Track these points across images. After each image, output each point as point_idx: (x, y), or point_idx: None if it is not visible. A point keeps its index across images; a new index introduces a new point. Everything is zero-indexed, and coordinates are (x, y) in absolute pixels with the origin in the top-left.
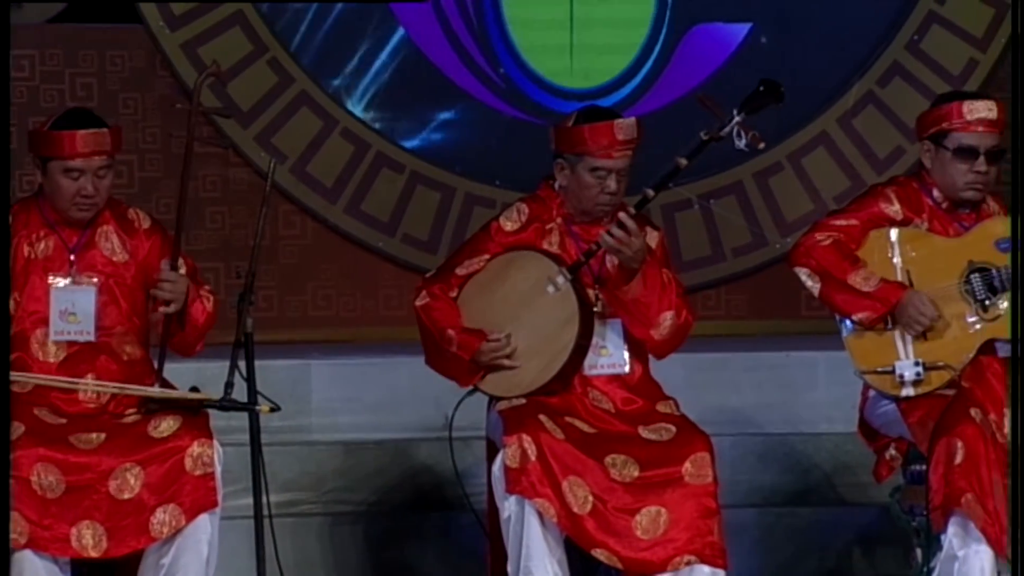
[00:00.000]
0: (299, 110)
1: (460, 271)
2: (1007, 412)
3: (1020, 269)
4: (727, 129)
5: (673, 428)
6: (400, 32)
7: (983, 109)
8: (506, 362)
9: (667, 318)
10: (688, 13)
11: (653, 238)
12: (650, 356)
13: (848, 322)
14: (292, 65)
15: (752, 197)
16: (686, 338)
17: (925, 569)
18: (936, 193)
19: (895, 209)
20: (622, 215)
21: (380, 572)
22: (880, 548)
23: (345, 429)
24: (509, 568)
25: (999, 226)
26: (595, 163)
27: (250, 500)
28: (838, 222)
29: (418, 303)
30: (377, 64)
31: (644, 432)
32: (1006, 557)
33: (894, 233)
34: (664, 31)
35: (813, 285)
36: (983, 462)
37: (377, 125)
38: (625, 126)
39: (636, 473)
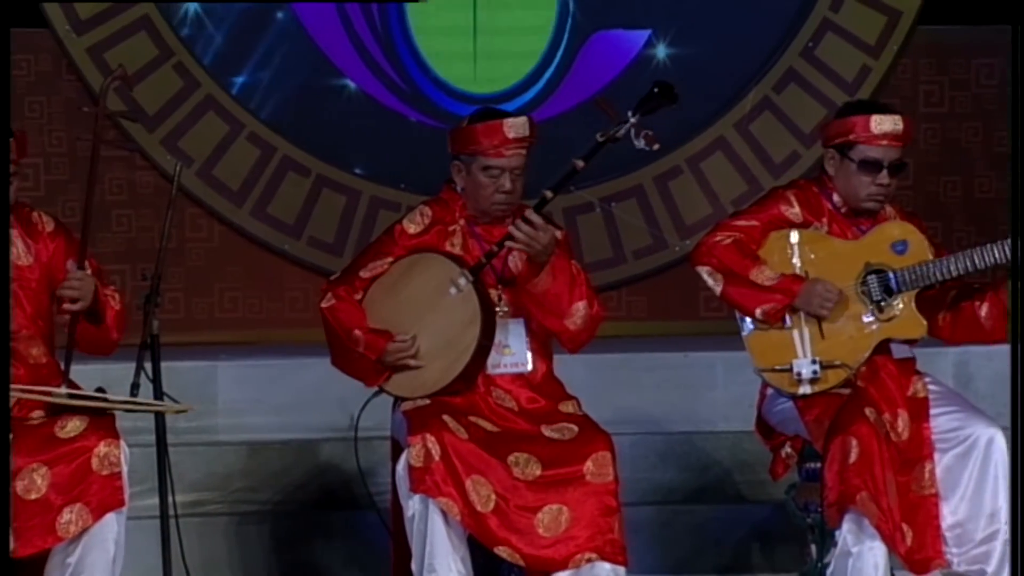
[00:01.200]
0: (205, 114)
1: (364, 274)
2: (901, 412)
3: (1021, 268)
4: (622, 130)
5: (575, 428)
6: (305, 37)
7: (889, 123)
8: (411, 363)
9: (580, 308)
10: (589, 20)
11: (558, 235)
12: (553, 356)
13: (748, 321)
14: (198, 69)
15: (652, 200)
16: (597, 330)
17: (819, 565)
18: (836, 198)
19: (795, 212)
20: (528, 211)
21: (286, 571)
22: (776, 544)
23: (251, 430)
24: (413, 566)
25: (895, 229)
26: (488, 162)
27: (156, 500)
28: (739, 223)
29: (324, 305)
30: (282, 69)
31: (547, 431)
32: (899, 553)
33: (794, 235)
34: (566, 38)
35: (715, 284)
36: (877, 460)
37: (282, 129)
38: (515, 124)
39: (538, 472)
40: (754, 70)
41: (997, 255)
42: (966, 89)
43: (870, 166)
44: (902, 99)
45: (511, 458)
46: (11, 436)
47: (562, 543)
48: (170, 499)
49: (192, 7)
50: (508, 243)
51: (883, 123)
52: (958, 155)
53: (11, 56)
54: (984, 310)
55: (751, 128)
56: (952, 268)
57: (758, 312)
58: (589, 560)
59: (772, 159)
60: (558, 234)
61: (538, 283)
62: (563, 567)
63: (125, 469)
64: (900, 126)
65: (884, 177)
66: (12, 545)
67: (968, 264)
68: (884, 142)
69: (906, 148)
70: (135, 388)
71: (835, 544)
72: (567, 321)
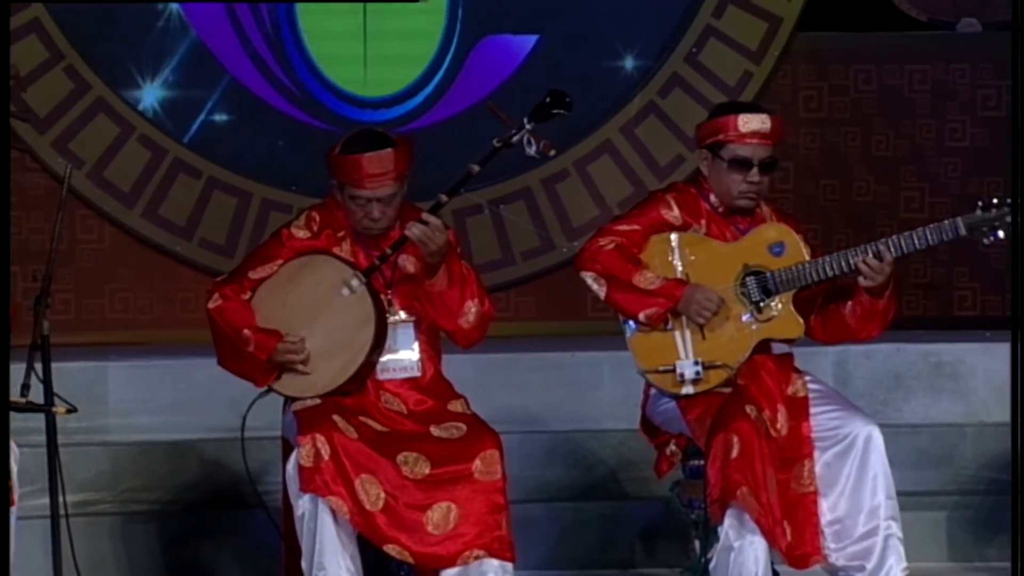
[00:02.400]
0: (96, 116)
1: (252, 275)
2: (780, 408)
3: (1021, 267)
4: (518, 137)
5: (463, 427)
6: (194, 38)
7: (757, 122)
8: (300, 367)
9: (471, 307)
10: (478, 25)
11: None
12: (442, 356)
13: (631, 323)
14: (89, 72)
15: (540, 203)
16: (488, 328)
17: (703, 560)
18: (713, 198)
19: (674, 214)
20: (425, 214)
21: (176, 570)
22: (661, 540)
23: (141, 430)
24: (303, 564)
25: (772, 231)
26: (353, 192)
27: (46, 500)
28: (621, 227)
29: (211, 305)
30: (173, 71)
31: (435, 431)
32: (779, 548)
33: (674, 238)
34: (455, 43)
35: (599, 288)
36: (757, 457)
37: (173, 131)
38: (375, 159)
39: (427, 470)
40: (639, 75)
41: (869, 255)
42: (844, 95)
43: (740, 164)
44: (782, 104)
45: (400, 457)
46: None
47: (450, 540)
48: (60, 499)
49: (81, 7)
50: (407, 233)
51: (751, 122)
52: (837, 159)
53: None
54: (848, 309)
55: (637, 132)
56: (827, 269)
57: (641, 316)
58: (477, 557)
59: (657, 162)
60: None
61: (434, 283)
62: (452, 564)
63: (15, 469)
64: (768, 124)
65: (755, 175)
66: None
67: (844, 265)
68: (753, 140)
69: (776, 147)
70: (25, 388)
71: (718, 539)
72: (461, 320)
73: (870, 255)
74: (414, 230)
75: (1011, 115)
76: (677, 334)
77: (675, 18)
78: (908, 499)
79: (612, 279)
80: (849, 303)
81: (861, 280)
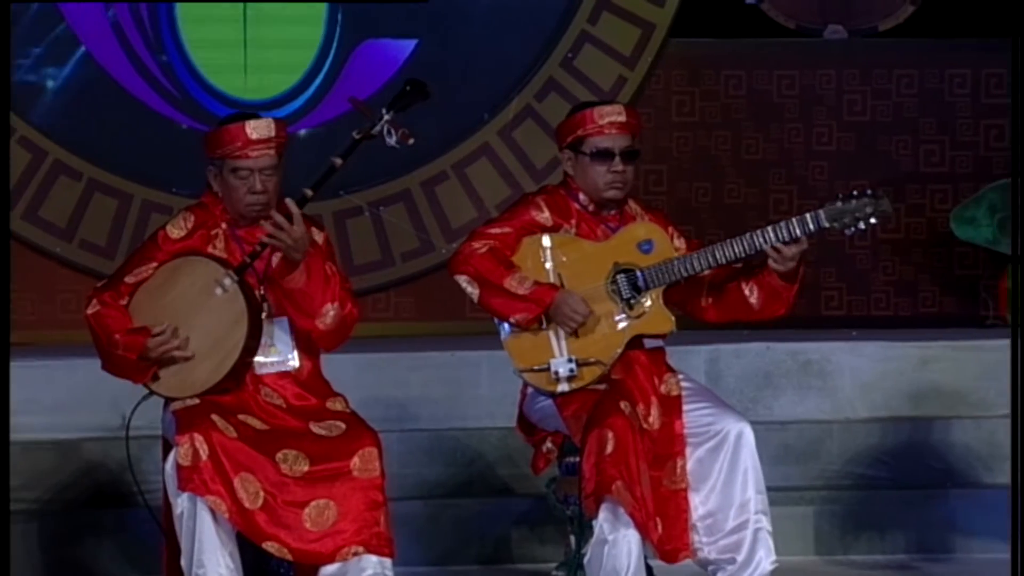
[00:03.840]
0: None
1: (129, 279)
2: (653, 403)
3: (1022, 267)
4: (378, 127)
5: (343, 425)
6: (79, 43)
7: (613, 113)
8: (177, 353)
9: (330, 309)
10: (357, 30)
11: (319, 236)
12: (321, 355)
13: (506, 325)
14: None
15: (419, 205)
16: (351, 330)
17: (578, 554)
18: (582, 197)
19: (545, 216)
20: (286, 200)
21: (58, 568)
22: (538, 535)
23: (23, 429)
24: (183, 562)
25: (641, 230)
26: (235, 164)
27: None
28: (493, 230)
29: (89, 311)
30: (57, 75)
31: (315, 428)
32: (652, 541)
33: (546, 239)
34: (334, 49)
35: (472, 291)
36: (632, 452)
37: (54, 133)
38: (258, 125)
39: (306, 468)
40: (516, 79)
41: (737, 250)
42: (716, 99)
43: (602, 155)
44: (656, 108)
45: (279, 455)
46: None
47: (329, 537)
48: None
49: None
50: (263, 239)
51: (606, 113)
52: (708, 162)
53: None
54: (749, 289)
55: (514, 135)
56: (695, 264)
57: (513, 320)
58: (356, 553)
59: (534, 165)
60: (318, 236)
61: (292, 280)
62: (331, 561)
63: None
64: (623, 115)
65: (618, 164)
66: None
67: (710, 259)
68: (613, 131)
69: (636, 137)
70: None
71: (593, 533)
72: (318, 321)
73: (737, 250)
74: (267, 227)
75: (1011, 114)
76: (551, 333)
77: (552, 23)
78: (777, 494)
79: (484, 283)
80: (751, 283)
81: (772, 264)
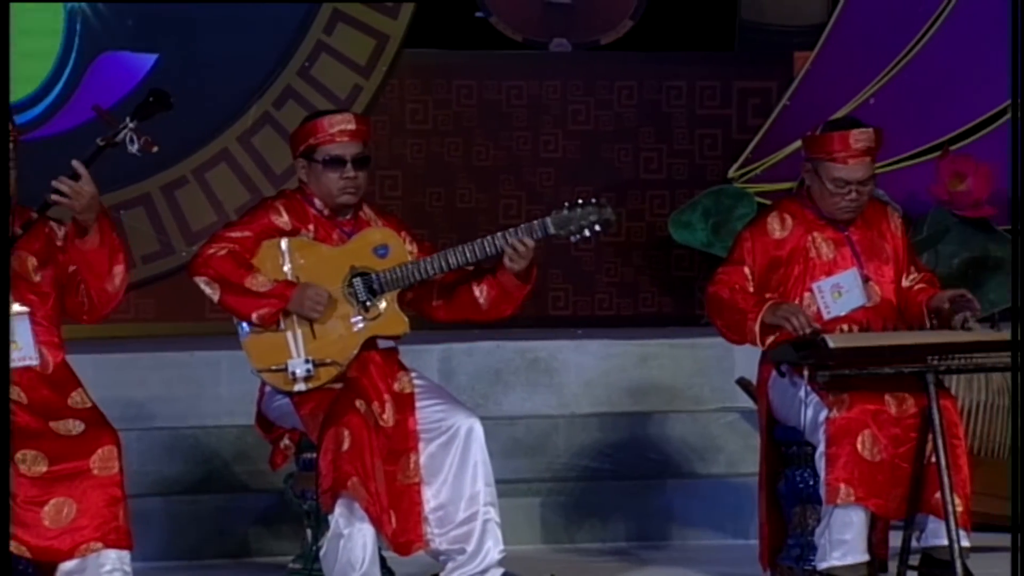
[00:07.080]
0: None
1: None
2: (387, 400)
3: (1022, 266)
4: (120, 135)
5: (82, 424)
6: None
7: (343, 122)
8: None
9: (119, 271)
10: (97, 44)
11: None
12: (65, 351)
13: (245, 325)
14: None
15: (160, 208)
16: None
17: (315, 548)
18: (318, 202)
19: (284, 220)
20: (75, 162)
21: None
22: (277, 530)
23: None
24: None
25: (377, 235)
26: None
27: None
28: (233, 234)
29: None
30: None
31: (54, 426)
32: (386, 535)
33: (284, 243)
34: (72, 59)
35: (212, 292)
36: (367, 449)
37: None
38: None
39: (44, 468)
40: (255, 87)
41: (468, 255)
42: (448, 108)
43: (334, 163)
44: (390, 116)
45: (18, 456)
46: None
47: (67, 534)
48: None
49: None
50: (55, 184)
51: (337, 122)
52: (441, 168)
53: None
54: (479, 291)
55: (253, 141)
56: (429, 268)
57: (254, 316)
58: (95, 549)
59: (273, 170)
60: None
61: (86, 241)
62: (69, 557)
63: None
64: (353, 124)
65: (350, 171)
66: None
67: (443, 263)
68: (344, 139)
69: (366, 144)
70: None
71: (329, 528)
72: (107, 283)
73: (468, 255)
74: (63, 184)
75: (1012, 114)
76: (289, 334)
77: (289, 33)
78: (506, 486)
79: (225, 283)
80: (482, 285)
81: (508, 263)
